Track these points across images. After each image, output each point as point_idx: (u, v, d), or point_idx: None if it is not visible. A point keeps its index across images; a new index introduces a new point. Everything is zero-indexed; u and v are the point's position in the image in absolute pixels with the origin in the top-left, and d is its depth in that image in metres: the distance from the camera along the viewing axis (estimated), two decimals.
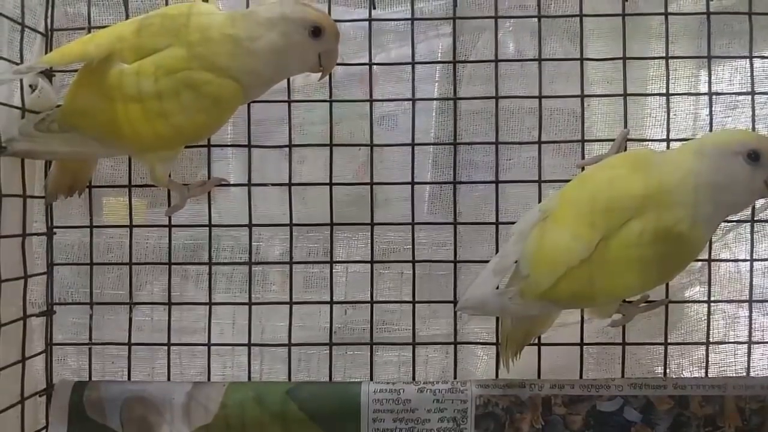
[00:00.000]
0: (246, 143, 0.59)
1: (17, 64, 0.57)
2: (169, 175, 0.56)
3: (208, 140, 0.60)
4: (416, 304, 0.60)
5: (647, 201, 0.48)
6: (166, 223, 0.60)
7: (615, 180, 0.50)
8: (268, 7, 0.50)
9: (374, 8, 0.59)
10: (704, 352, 0.59)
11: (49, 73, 0.60)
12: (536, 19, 0.58)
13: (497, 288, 0.51)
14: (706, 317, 0.59)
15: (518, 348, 0.56)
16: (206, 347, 0.60)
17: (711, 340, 0.58)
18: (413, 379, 0.59)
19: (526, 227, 0.51)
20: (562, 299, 0.50)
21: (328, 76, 0.56)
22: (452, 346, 0.60)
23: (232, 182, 0.61)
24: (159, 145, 0.52)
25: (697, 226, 0.48)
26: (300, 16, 0.49)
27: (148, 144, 0.51)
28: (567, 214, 0.50)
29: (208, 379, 0.60)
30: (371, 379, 0.59)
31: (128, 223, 0.60)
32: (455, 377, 0.59)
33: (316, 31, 0.50)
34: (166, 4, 0.59)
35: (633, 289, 0.52)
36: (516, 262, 0.51)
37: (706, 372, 0.58)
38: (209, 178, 0.60)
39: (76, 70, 0.53)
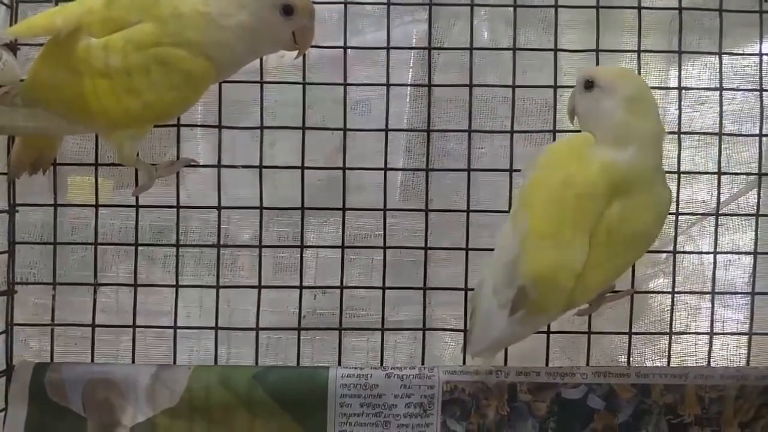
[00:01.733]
0: (216, 124, 0.58)
1: None
2: (137, 155, 0.54)
3: (178, 120, 0.58)
4: (386, 291, 0.59)
5: (612, 186, 0.48)
6: (133, 203, 0.59)
7: (572, 180, 0.48)
8: None
9: None
10: (667, 342, 0.59)
11: (13, 46, 0.58)
12: (511, 8, 0.58)
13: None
14: (669, 308, 0.59)
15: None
16: (172, 330, 0.59)
17: (674, 330, 0.59)
18: (381, 364, 0.59)
19: (507, 258, 0.49)
20: (563, 310, 0.50)
21: (302, 57, 0.55)
22: (420, 332, 0.60)
23: (201, 163, 0.59)
24: (127, 122, 0.50)
25: (664, 186, 0.49)
26: None
27: (116, 121, 0.50)
28: (548, 230, 0.48)
29: (174, 362, 0.59)
30: (339, 364, 0.59)
31: (94, 203, 0.59)
32: (423, 363, 0.59)
33: (287, 9, 0.48)
34: None
35: (621, 271, 0.52)
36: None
37: (668, 361, 0.59)
38: (178, 158, 0.58)
39: (41, 44, 0.51)
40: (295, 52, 0.53)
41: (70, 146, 0.60)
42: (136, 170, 0.58)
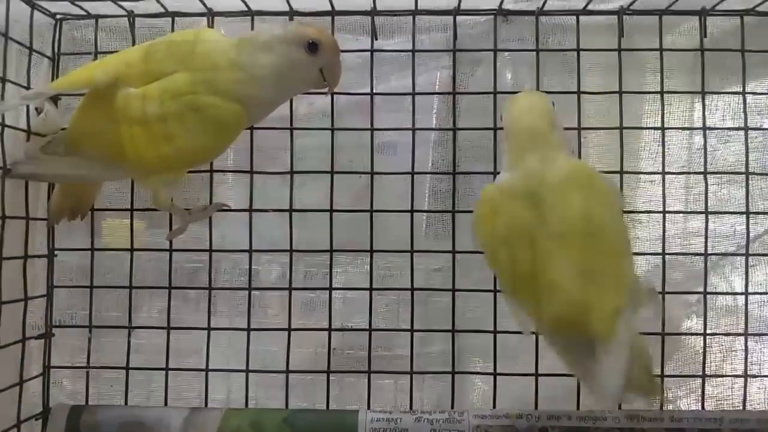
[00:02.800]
0: (248, 169, 0.59)
1: (25, 87, 0.56)
2: (172, 200, 0.55)
3: (211, 165, 0.59)
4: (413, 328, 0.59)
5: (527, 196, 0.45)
6: (167, 246, 0.59)
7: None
8: (266, 29, 0.50)
9: (376, 39, 0.59)
10: (701, 385, 0.58)
11: (54, 97, 0.60)
12: (534, 52, 0.59)
13: None
14: (702, 349, 0.58)
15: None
16: (204, 372, 0.59)
17: (707, 372, 0.57)
18: (410, 407, 0.58)
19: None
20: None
21: (330, 104, 0.56)
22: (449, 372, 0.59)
23: (232, 206, 0.60)
24: (163, 167, 0.51)
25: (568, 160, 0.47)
26: (294, 34, 0.49)
27: (152, 166, 0.51)
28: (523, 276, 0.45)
29: (206, 403, 0.59)
30: (368, 406, 0.58)
31: (129, 246, 0.60)
32: (453, 407, 0.58)
33: (312, 47, 0.49)
34: (172, 29, 0.59)
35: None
36: None
37: (702, 405, 0.57)
38: (211, 202, 0.59)
39: (82, 95, 0.53)
40: (327, 89, 0.53)
41: (108, 190, 0.61)
42: (170, 219, 0.59)
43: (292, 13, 0.58)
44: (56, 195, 0.57)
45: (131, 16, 0.59)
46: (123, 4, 0.57)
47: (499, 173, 0.52)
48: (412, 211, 0.59)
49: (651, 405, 0.54)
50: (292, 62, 0.49)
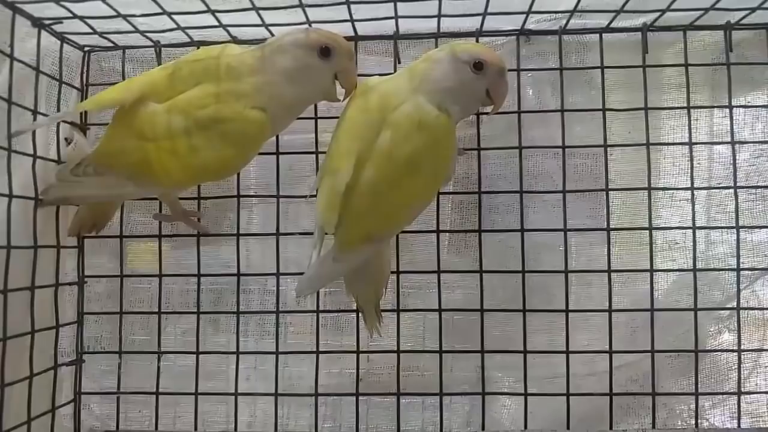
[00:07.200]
0: (274, 194, 0.57)
1: None
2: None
3: (238, 191, 0.58)
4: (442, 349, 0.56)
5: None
6: (194, 271, 0.58)
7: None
8: (284, 34, 0.49)
9: (399, 62, 0.58)
10: (736, 401, 0.55)
11: (83, 127, 0.59)
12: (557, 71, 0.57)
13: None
14: (736, 365, 0.55)
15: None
16: (233, 396, 0.57)
17: (742, 389, 0.54)
18: (441, 430, 0.56)
19: None
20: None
21: None
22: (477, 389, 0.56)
23: (257, 228, 0.59)
24: (190, 181, 0.51)
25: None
26: (307, 38, 0.48)
27: (179, 181, 0.49)
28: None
29: (235, 427, 0.57)
30: (398, 428, 0.56)
31: (156, 270, 0.58)
32: (483, 428, 0.56)
33: (325, 52, 0.48)
34: None
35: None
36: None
37: (738, 423, 0.54)
38: (238, 222, 0.58)
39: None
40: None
41: (134, 215, 0.60)
42: (198, 240, 0.57)
43: None
44: (81, 210, 0.56)
45: (157, 46, 0.58)
46: (149, 35, 0.56)
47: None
48: (438, 231, 0.57)
49: (370, 332, 0.53)
50: (306, 66, 0.48)
